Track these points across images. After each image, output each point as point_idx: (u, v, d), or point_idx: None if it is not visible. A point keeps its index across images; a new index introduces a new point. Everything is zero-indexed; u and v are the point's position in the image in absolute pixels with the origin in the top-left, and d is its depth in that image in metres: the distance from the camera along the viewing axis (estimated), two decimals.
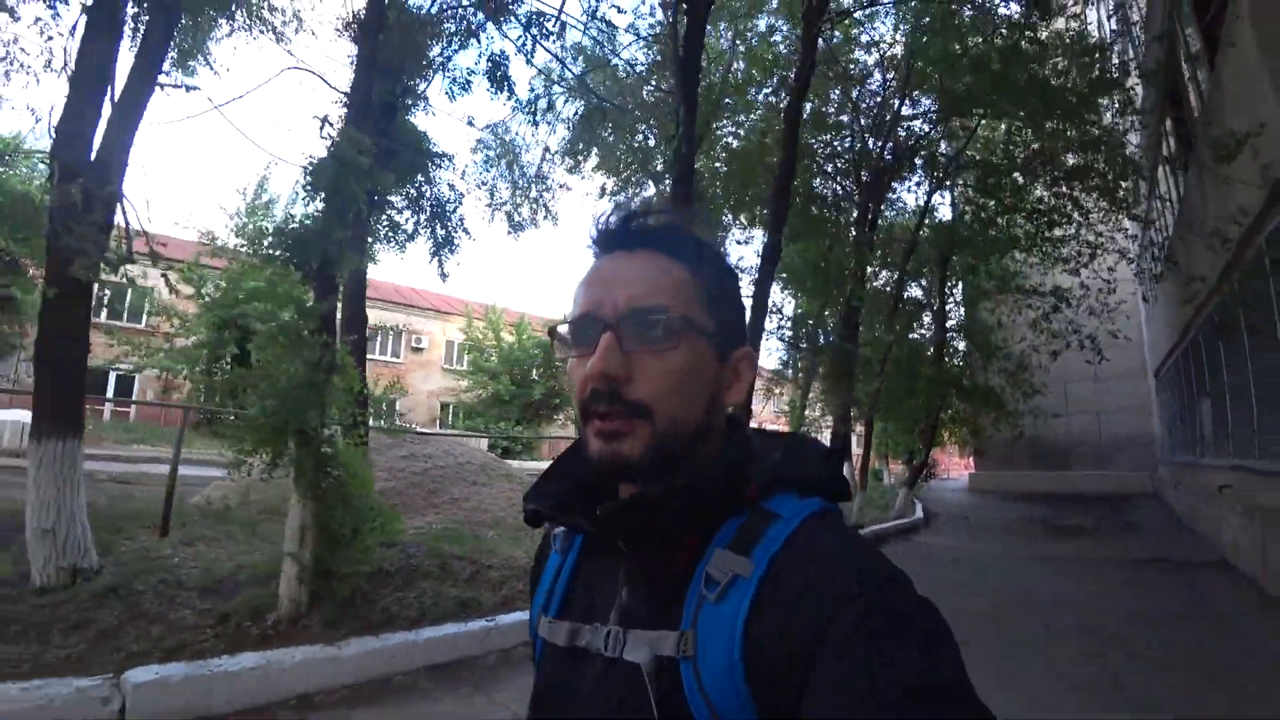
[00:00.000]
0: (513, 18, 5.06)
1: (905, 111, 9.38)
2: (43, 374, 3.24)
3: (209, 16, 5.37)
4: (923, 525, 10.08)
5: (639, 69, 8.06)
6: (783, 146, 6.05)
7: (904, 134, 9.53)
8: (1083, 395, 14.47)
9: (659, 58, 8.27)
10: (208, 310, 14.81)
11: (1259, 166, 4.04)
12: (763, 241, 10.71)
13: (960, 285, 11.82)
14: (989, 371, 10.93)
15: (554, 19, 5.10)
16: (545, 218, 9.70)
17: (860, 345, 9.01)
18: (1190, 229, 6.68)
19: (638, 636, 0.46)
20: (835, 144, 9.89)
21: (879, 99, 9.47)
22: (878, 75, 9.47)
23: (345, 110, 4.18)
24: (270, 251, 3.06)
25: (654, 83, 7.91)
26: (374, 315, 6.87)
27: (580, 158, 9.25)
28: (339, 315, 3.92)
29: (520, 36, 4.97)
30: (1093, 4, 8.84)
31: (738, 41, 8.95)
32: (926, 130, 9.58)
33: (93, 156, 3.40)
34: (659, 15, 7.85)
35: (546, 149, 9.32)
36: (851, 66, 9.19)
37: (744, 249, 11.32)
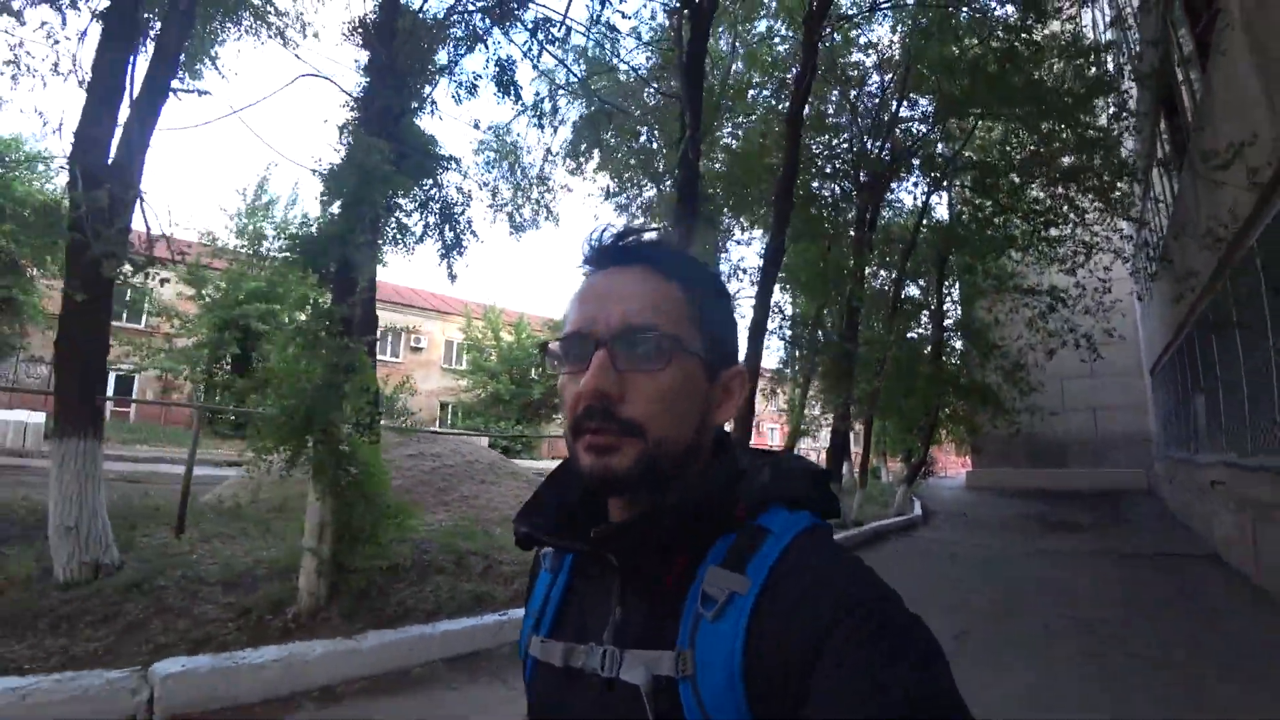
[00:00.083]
0: (519, 23, 5.13)
1: (903, 113, 9.50)
2: (64, 374, 3.30)
3: (218, 22, 5.44)
4: (921, 522, 10.20)
5: (641, 71, 8.14)
6: (785, 150, 6.14)
7: (902, 135, 9.64)
8: (1079, 392, 14.61)
9: (659, 60, 8.37)
10: (208, 311, 14.85)
11: (1248, 170, 4.15)
12: (763, 243, 10.84)
13: (957, 285, 11.94)
14: (986, 370, 11.05)
15: (559, 24, 5.18)
16: (547, 218, 9.79)
17: (859, 344, 9.11)
18: (1184, 230, 6.80)
19: (634, 656, 0.46)
20: (834, 145, 9.98)
21: (877, 100, 9.58)
22: (876, 77, 9.58)
23: (355, 115, 4.24)
24: (288, 255, 3.12)
25: (655, 85, 8.00)
26: (379, 316, 6.95)
27: (582, 159, 9.33)
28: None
29: (526, 41, 5.05)
30: (1088, 6, 8.95)
31: (737, 44, 9.05)
32: (924, 131, 9.69)
33: (109, 161, 3.47)
34: (660, 18, 7.94)
35: (548, 150, 9.39)
36: (852, 71, 9.29)
37: (744, 249, 11.41)
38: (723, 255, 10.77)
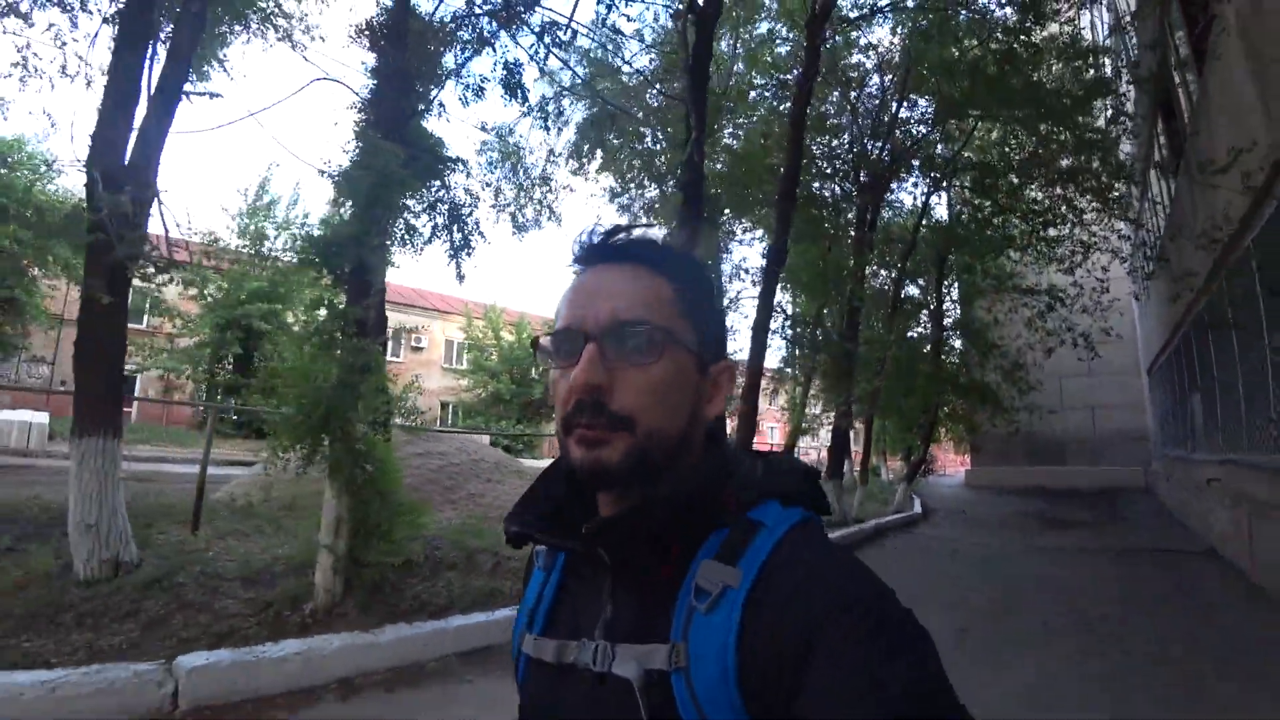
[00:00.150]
0: (525, 26, 5.19)
1: (903, 114, 9.57)
2: (84, 374, 3.36)
3: (225, 25, 5.49)
4: (921, 519, 10.29)
5: (645, 72, 8.20)
6: (787, 151, 6.21)
7: (902, 136, 9.71)
8: (1077, 391, 14.71)
9: (661, 63, 8.43)
10: (210, 311, 14.88)
11: (1242, 174, 4.22)
12: (764, 242, 10.91)
13: (956, 284, 12.02)
14: (985, 369, 11.14)
15: (565, 27, 5.24)
16: (549, 219, 9.84)
17: (860, 344, 9.19)
18: (1180, 231, 6.88)
19: (626, 650, 0.46)
20: (835, 146, 10.05)
21: (877, 101, 9.65)
22: (876, 78, 9.65)
23: (363, 117, 4.29)
24: (303, 256, 3.18)
25: (658, 87, 8.06)
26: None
27: (585, 160, 9.39)
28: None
29: (533, 44, 5.11)
30: (1086, 8, 9.03)
31: (738, 46, 9.11)
32: (924, 132, 9.77)
33: (125, 164, 3.53)
34: (663, 19, 8.01)
35: (551, 151, 9.45)
36: (852, 73, 9.36)
37: (745, 249, 11.48)
38: (725, 255, 10.83)
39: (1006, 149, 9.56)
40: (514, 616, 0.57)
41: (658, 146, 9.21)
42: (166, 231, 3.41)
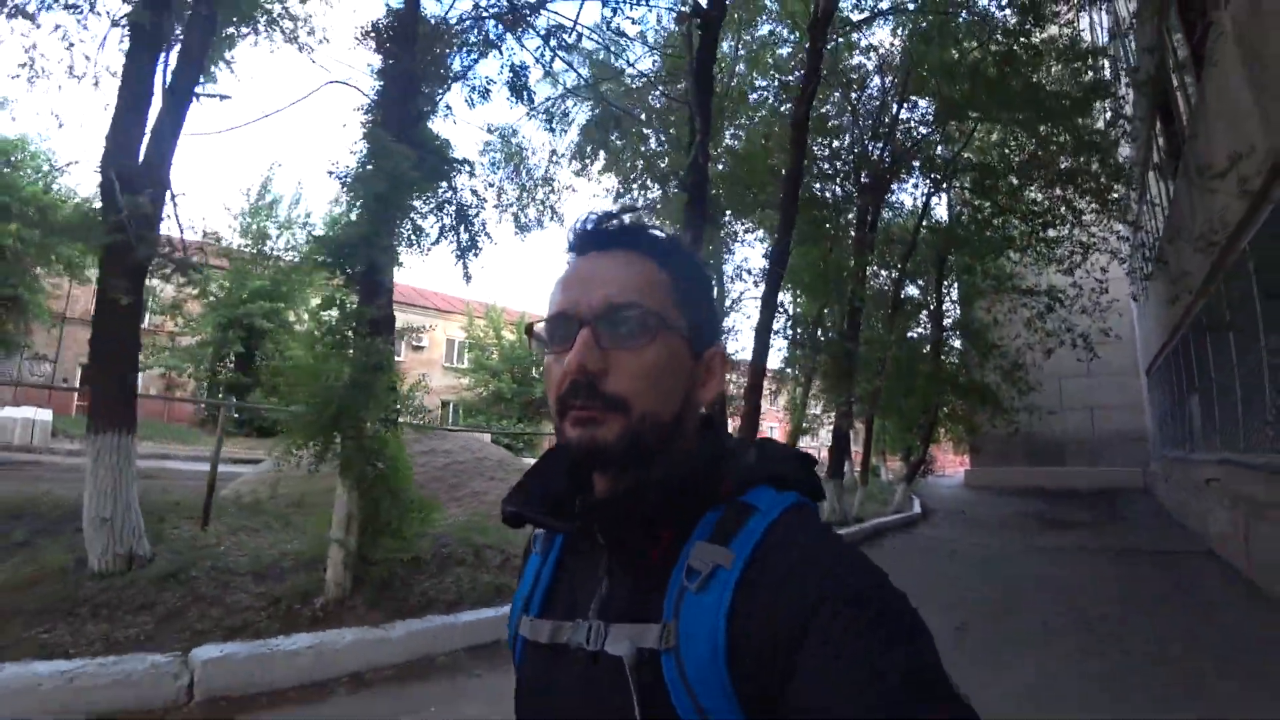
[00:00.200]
0: (531, 29, 5.24)
1: (904, 115, 9.63)
2: (98, 373, 3.40)
3: (233, 27, 5.53)
4: (921, 519, 10.35)
5: (649, 73, 8.26)
6: (790, 154, 6.26)
7: (902, 137, 9.77)
8: (1076, 392, 14.77)
9: (662, 67, 8.48)
10: (212, 309, 14.92)
11: (1238, 179, 4.27)
12: (765, 243, 10.96)
13: (956, 285, 12.09)
14: (985, 369, 11.19)
15: (570, 30, 5.29)
16: (551, 219, 9.90)
17: (860, 344, 9.25)
18: (1178, 234, 6.94)
19: (619, 630, 0.46)
20: (836, 147, 10.11)
21: (878, 103, 9.71)
22: (877, 80, 9.71)
23: (371, 119, 4.34)
24: (316, 257, 3.23)
25: (661, 89, 8.11)
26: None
27: (588, 161, 9.44)
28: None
29: (539, 48, 5.16)
30: (1085, 10, 9.09)
31: (740, 48, 9.16)
32: (924, 133, 9.83)
33: (140, 165, 3.57)
34: (665, 21, 8.06)
35: (554, 152, 9.50)
36: (853, 74, 9.41)
37: (746, 250, 11.55)
38: (727, 256, 10.89)
39: (1006, 150, 9.62)
40: None
41: (661, 149, 9.26)
42: (182, 232, 3.46)
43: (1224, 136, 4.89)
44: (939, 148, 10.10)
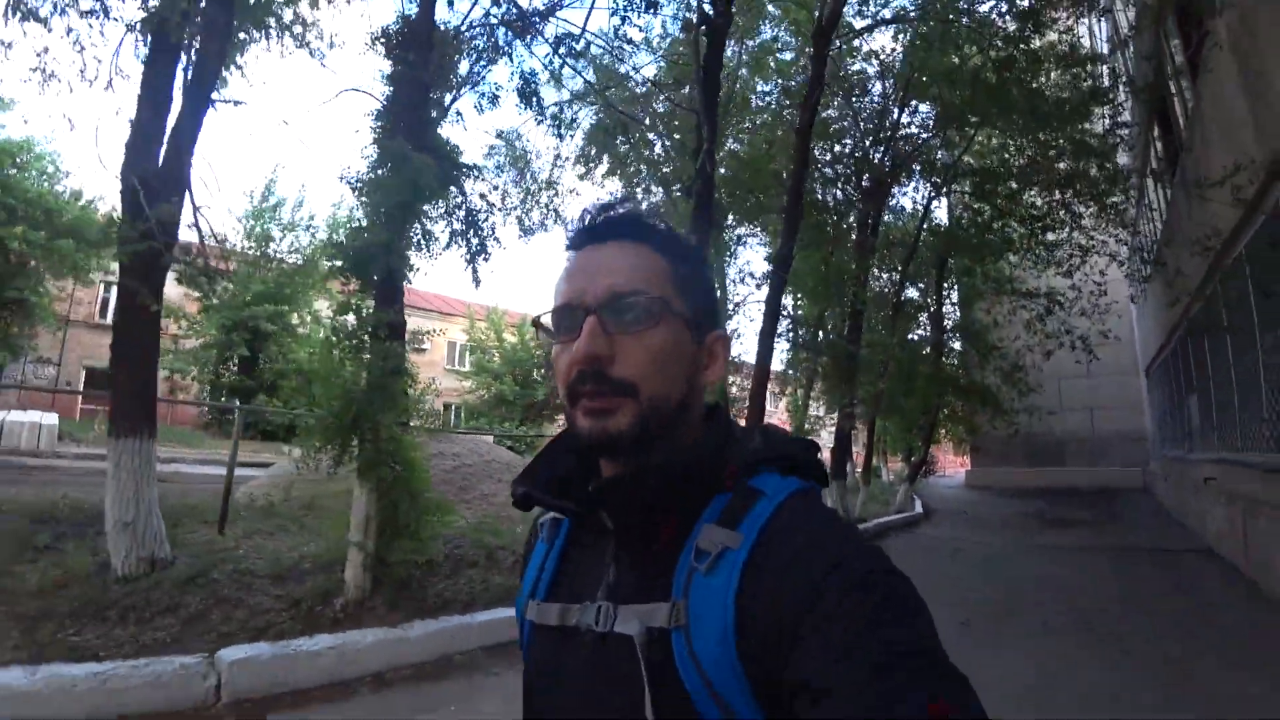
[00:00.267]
0: (540, 36, 5.31)
1: (904, 120, 9.72)
2: (120, 378, 3.47)
3: (245, 32, 5.59)
4: (922, 519, 10.42)
5: (654, 79, 8.34)
6: (795, 160, 6.33)
7: (903, 141, 9.86)
8: (1076, 393, 14.84)
9: (662, 72, 8.56)
10: (216, 312, 14.95)
11: (1232, 187, 4.34)
12: (766, 246, 11.03)
13: (956, 287, 12.17)
14: (985, 370, 11.28)
15: (578, 38, 5.36)
16: (555, 222, 9.97)
17: (862, 346, 9.32)
18: (1175, 238, 7.03)
19: (628, 610, 0.47)
20: (837, 151, 10.20)
21: (879, 107, 9.80)
22: (878, 85, 9.80)
23: (381, 125, 4.40)
24: (335, 263, 3.30)
25: (664, 94, 8.19)
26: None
27: (592, 165, 9.51)
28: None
29: (548, 55, 5.23)
30: (1084, 16, 9.19)
31: (742, 54, 9.24)
32: (925, 138, 9.92)
33: (161, 171, 3.63)
34: (670, 28, 8.13)
35: (558, 156, 9.57)
36: (854, 79, 9.50)
37: (749, 253, 11.59)
38: (730, 260, 10.96)
39: (1006, 155, 9.71)
40: None
41: (666, 154, 9.34)
42: (203, 240, 3.52)
43: (1220, 144, 4.98)
44: (939, 152, 10.18)
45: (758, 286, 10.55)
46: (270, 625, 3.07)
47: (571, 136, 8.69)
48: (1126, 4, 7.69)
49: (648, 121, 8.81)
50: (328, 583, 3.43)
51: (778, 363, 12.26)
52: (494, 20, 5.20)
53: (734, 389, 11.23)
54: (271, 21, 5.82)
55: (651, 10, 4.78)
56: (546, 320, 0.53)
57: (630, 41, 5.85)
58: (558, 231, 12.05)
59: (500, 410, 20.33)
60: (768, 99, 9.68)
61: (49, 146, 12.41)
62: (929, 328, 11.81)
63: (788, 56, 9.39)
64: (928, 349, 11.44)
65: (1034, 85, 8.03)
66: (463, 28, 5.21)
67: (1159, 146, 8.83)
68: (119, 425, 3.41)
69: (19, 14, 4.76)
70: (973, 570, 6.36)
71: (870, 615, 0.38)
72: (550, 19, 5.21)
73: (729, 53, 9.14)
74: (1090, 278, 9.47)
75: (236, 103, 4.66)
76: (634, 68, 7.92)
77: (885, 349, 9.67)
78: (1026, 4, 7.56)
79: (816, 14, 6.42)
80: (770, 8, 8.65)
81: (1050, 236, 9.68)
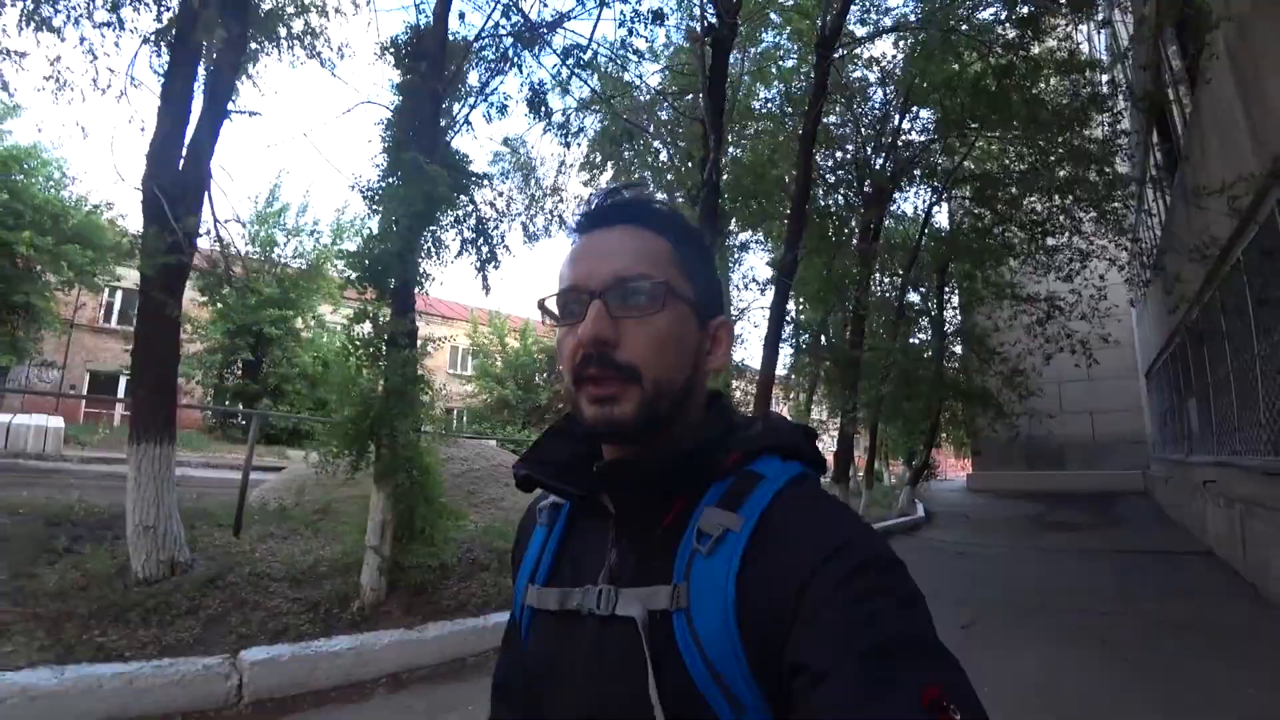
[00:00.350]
0: (548, 47, 5.40)
1: (905, 126, 9.82)
2: (140, 384, 3.53)
3: (257, 43, 5.68)
4: (925, 522, 10.48)
5: (658, 88, 8.44)
6: (799, 169, 6.41)
7: (904, 147, 9.96)
8: (1077, 396, 14.90)
9: (667, 80, 8.66)
10: (221, 316, 15.02)
11: (1228, 196, 4.42)
12: (769, 251, 11.11)
13: (957, 292, 12.25)
14: (986, 374, 11.35)
15: (586, 48, 5.45)
16: (560, 227, 10.06)
17: (865, 350, 9.39)
18: (1174, 244, 7.11)
19: (630, 593, 0.47)
20: (839, 157, 10.29)
21: (880, 114, 9.90)
22: (879, 92, 9.90)
23: (392, 134, 4.48)
24: (351, 272, 3.37)
25: (669, 102, 8.29)
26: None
27: (597, 171, 9.61)
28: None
29: (556, 65, 5.32)
30: (1084, 23, 9.30)
31: (745, 61, 9.35)
32: (926, 143, 10.01)
33: (180, 179, 3.71)
34: (674, 36, 8.23)
35: (562, 162, 9.67)
36: (855, 85, 9.60)
37: (752, 259, 11.68)
38: (733, 266, 11.04)
39: (1006, 161, 9.81)
40: None
41: (670, 161, 9.43)
42: (225, 250, 3.59)
43: (1217, 152, 5.06)
44: (940, 158, 10.28)
45: (761, 292, 10.63)
46: (288, 627, 3.13)
47: (578, 145, 8.79)
48: (1125, 14, 7.80)
49: (652, 129, 8.91)
50: (344, 586, 3.49)
51: (781, 368, 12.34)
52: (504, 31, 5.29)
53: (737, 393, 11.29)
54: (283, 32, 5.92)
55: (658, 23, 4.86)
56: (551, 304, 0.53)
57: (636, 52, 5.93)
58: (562, 237, 12.08)
59: (503, 414, 20.39)
60: (769, 105, 9.78)
61: (56, 153, 12.50)
62: (930, 332, 11.89)
63: (790, 64, 9.50)
64: (929, 353, 11.52)
65: (1033, 92, 8.13)
66: (472, 39, 5.30)
67: (1158, 154, 8.93)
68: (139, 431, 3.47)
69: (33, 24, 4.85)
70: (975, 573, 6.42)
71: (869, 600, 0.39)
72: (558, 30, 5.30)
73: (732, 59, 9.25)
74: (1090, 282, 9.55)
75: (252, 113, 4.74)
76: (639, 76, 8.02)
77: (887, 353, 9.74)
78: (1026, 11, 7.66)
79: (819, 23, 6.52)
80: (773, 16, 8.76)
81: (1050, 241, 9.77)
